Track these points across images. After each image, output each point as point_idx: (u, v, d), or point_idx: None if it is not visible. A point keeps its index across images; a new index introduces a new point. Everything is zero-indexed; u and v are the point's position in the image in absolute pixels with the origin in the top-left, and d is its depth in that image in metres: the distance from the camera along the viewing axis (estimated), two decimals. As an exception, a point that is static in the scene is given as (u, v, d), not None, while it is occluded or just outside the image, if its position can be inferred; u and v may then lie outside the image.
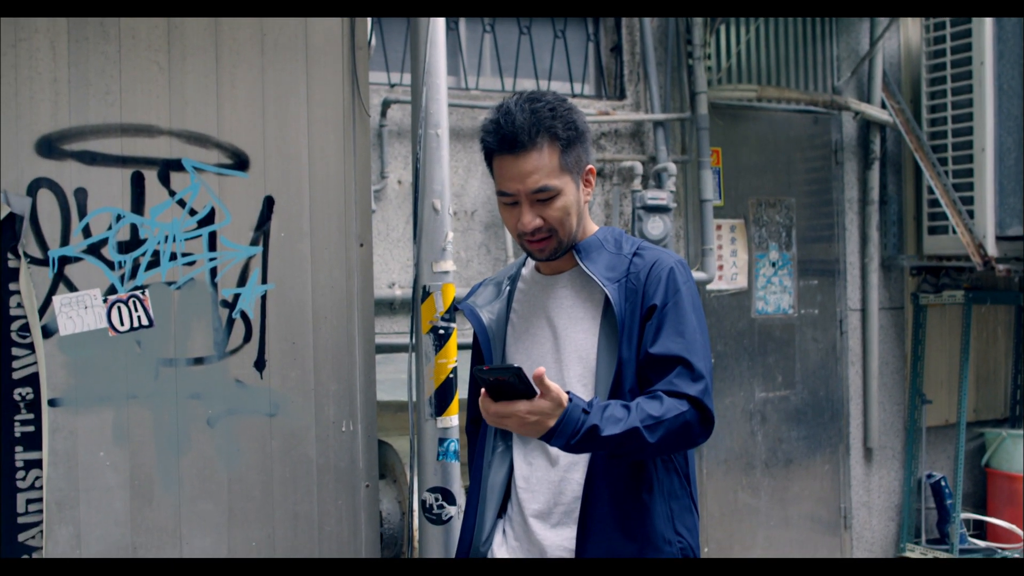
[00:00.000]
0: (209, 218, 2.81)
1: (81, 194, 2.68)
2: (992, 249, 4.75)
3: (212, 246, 2.82)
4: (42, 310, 2.64)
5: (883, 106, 5.21)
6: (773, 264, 5.09)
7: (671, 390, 1.92)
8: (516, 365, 1.82)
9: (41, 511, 2.63)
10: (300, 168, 2.91)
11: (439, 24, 2.81)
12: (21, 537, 2.63)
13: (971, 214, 4.85)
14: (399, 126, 4.20)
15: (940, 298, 5.30)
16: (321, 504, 2.93)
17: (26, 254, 2.63)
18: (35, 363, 2.64)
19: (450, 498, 2.79)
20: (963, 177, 4.91)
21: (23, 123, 2.63)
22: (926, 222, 5.22)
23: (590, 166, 2.08)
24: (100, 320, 2.69)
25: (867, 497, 5.37)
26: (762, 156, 5.07)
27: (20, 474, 2.63)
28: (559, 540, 2.05)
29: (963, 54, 4.90)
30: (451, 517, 2.80)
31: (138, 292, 2.73)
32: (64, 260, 2.67)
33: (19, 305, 2.63)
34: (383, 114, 4.12)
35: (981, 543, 5.30)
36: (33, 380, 2.64)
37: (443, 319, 2.79)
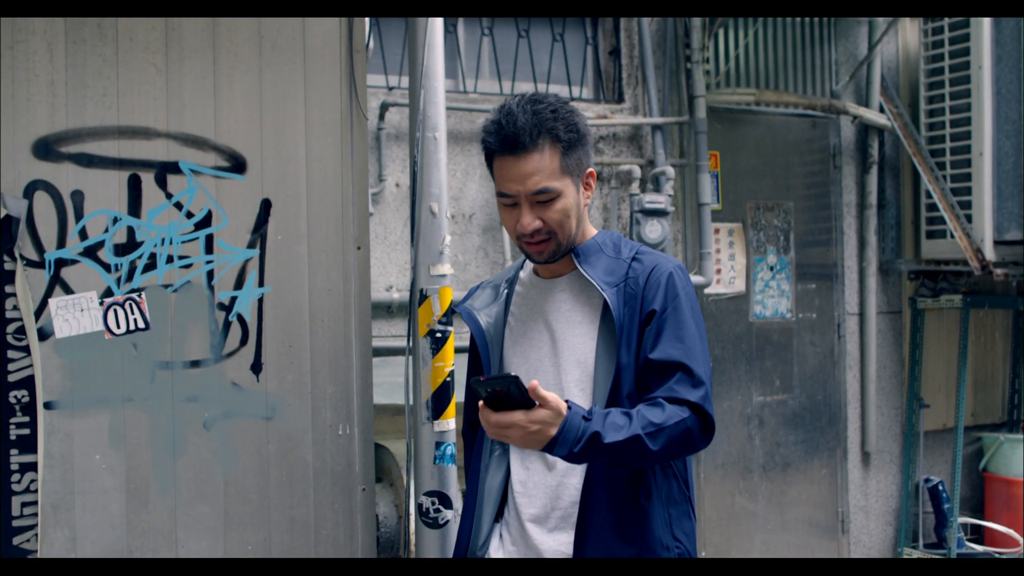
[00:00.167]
0: (206, 221, 2.81)
1: (78, 196, 2.68)
2: (990, 253, 4.75)
3: (209, 249, 2.81)
4: (38, 312, 2.64)
5: (881, 110, 5.21)
6: (771, 268, 5.08)
7: (672, 397, 1.92)
8: (513, 374, 1.82)
9: (36, 514, 2.63)
10: (297, 171, 2.91)
11: (437, 26, 2.81)
12: (16, 540, 2.62)
13: (969, 218, 4.85)
14: (397, 129, 4.20)
15: (938, 302, 5.30)
16: (317, 508, 2.92)
17: (22, 256, 2.63)
18: (31, 366, 2.63)
19: (447, 502, 2.78)
20: (961, 181, 4.91)
21: (20, 125, 2.62)
22: (924, 226, 5.22)
23: (590, 169, 2.08)
24: (96, 323, 2.69)
25: (865, 501, 5.36)
26: (760, 160, 5.07)
27: (15, 477, 2.62)
28: (556, 545, 2.05)
29: (961, 58, 4.91)
30: (447, 521, 2.79)
31: (134, 295, 2.73)
32: (60, 262, 2.66)
33: (15, 308, 2.62)
34: (381, 117, 4.12)
35: (979, 547, 5.30)
36: (29, 383, 2.63)
37: (440, 322, 2.79)
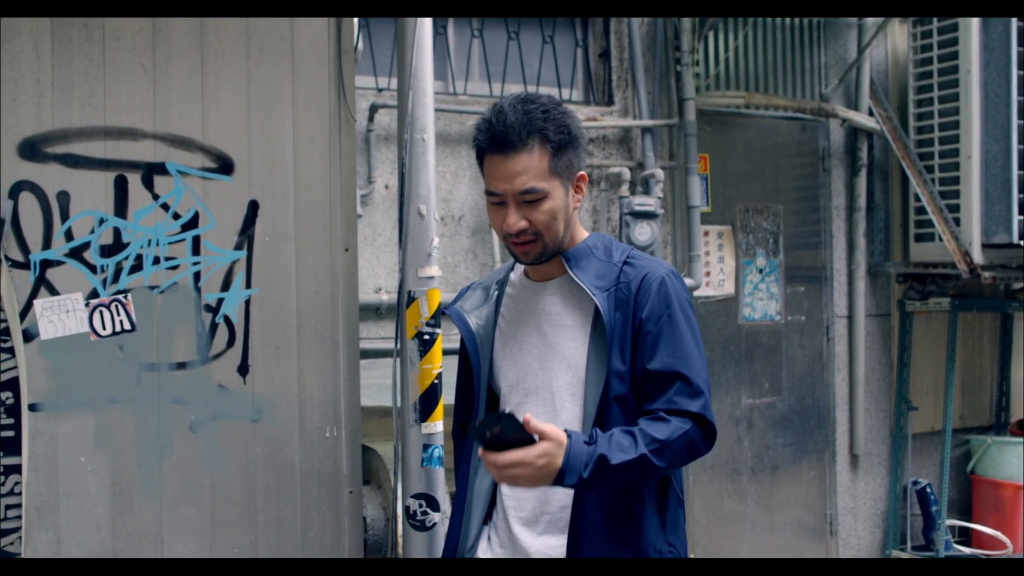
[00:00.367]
0: (193, 222, 2.80)
1: (64, 197, 2.66)
2: (978, 256, 4.77)
3: (196, 250, 2.80)
4: (23, 314, 2.62)
5: (870, 113, 5.23)
6: (760, 271, 5.09)
7: (672, 409, 1.93)
8: (506, 411, 1.81)
9: (20, 517, 2.61)
10: (285, 172, 2.90)
11: (426, 27, 2.80)
12: (0, 543, 2.61)
13: (957, 221, 4.86)
14: (387, 130, 4.19)
15: (926, 305, 5.32)
16: (304, 510, 2.91)
17: (7, 257, 2.61)
18: (15, 367, 2.61)
19: (434, 504, 2.78)
20: (949, 185, 4.93)
21: (5, 125, 2.61)
22: (912, 229, 5.24)
23: (582, 172, 2.07)
24: (82, 324, 2.67)
25: (853, 503, 5.37)
26: (750, 163, 5.07)
27: (-1, 479, 2.61)
28: (544, 548, 2.05)
29: (950, 62, 4.92)
30: (435, 523, 2.78)
31: (121, 296, 2.71)
32: (46, 264, 2.65)
33: (0, 309, 2.61)
34: (371, 118, 4.11)
35: (966, 550, 5.31)
36: (13, 384, 2.62)
37: (428, 324, 2.78)
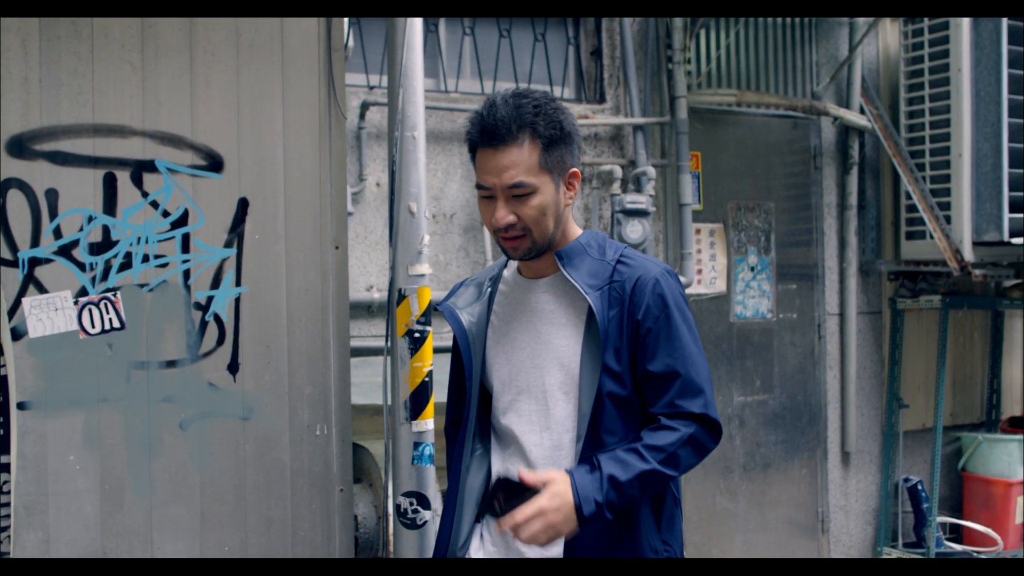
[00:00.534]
0: (182, 220, 2.79)
1: (52, 195, 2.65)
2: (969, 254, 4.78)
3: (185, 248, 2.79)
4: (11, 312, 2.61)
5: (862, 111, 5.23)
6: (752, 268, 5.10)
7: (674, 412, 1.96)
8: (500, 478, 1.86)
9: (9, 516, 2.60)
10: (275, 170, 2.89)
11: (416, 26, 2.80)
12: (-12, 542, 2.60)
13: (948, 219, 4.87)
14: (378, 128, 4.19)
15: (917, 303, 5.33)
16: (295, 508, 2.91)
17: (-5, 255, 2.60)
18: (3, 366, 2.60)
19: (425, 502, 2.77)
20: (940, 183, 4.93)
21: (-7, 123, 2.60)
22: (904, 227, 5.25)
23: (574, 169, 2.06)
24: (71, 322, 2.66)
25: (844, 501, 5.38)
26: (741, 161, 5.08)
27: (-12, 478, 2.60)
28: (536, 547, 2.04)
29: (941, 60, 4.93)
30: (426, 521, 2.78)
31: (110, 294, 2.70)
32: (34, 261, 2.64)
33: (-12, 307, 2.60)
34: (362, 116, 4.10)
35: (957, 547, 5.32)
36: (2, 383, 2.61)
37: (419, 322, 2.77)
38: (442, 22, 4.49)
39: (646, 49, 4.78)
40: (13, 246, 2.62)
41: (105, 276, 2.70)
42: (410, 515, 2.78)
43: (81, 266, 2.68)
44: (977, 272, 4.82)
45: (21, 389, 2.61)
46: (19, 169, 2.62)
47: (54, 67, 2.65)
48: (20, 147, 2.62)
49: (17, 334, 2.61)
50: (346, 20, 3.06)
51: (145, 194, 2.75)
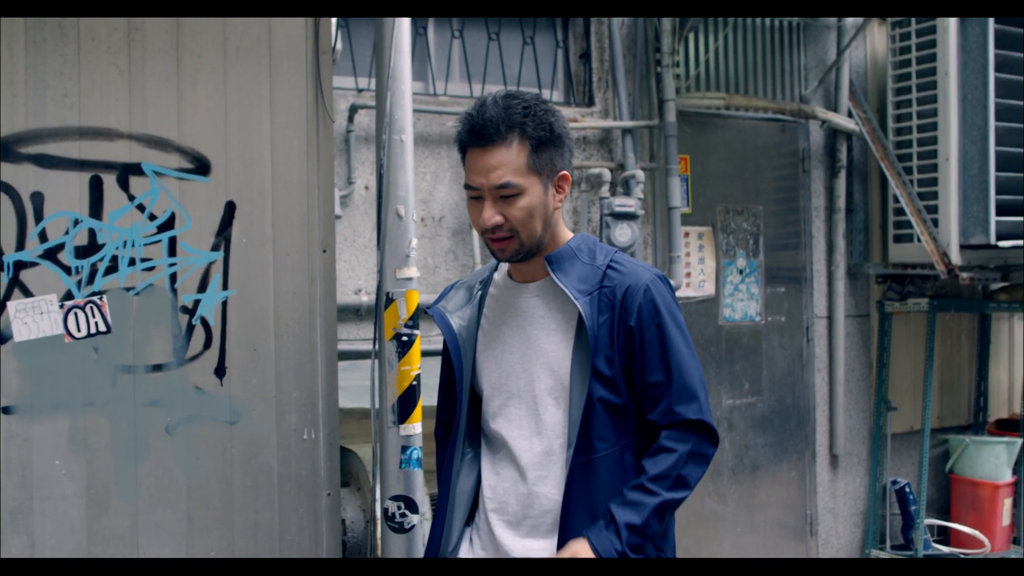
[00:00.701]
0: (169, 223, 2.78)
1: (37, 198, 2.64)
2: (956, 257, 4.80)
3: (172, 251, 2.78)
4: (-4, 316, 2.59)
5: (850, 115, 5.25)
6: (740, 271, 5.11)
7: (671, 421, 1.98)
8: None
9: (-6, 521, 2.58)
10: (262, 173, 2.88)
11: (404, 27, 2.79)
12: (-27, 547, 2.58)
13: (935, 223, 4.89)
14: (367, 131, 4.18)
15: (905, 306, 5.35)
16: (282, 513, 2.90)
17: (-20, 259, 2.58)
18: (-12, 370, 2.59)
19: (413, 506, 2.76)
20: (928, 186, 4.95)
21: (-22, 125, 2.58)
22: (891, 230, 5.27)
23: (564, 172, 2.06)
24: (56, 326, 2.65)
25: (833, 503, 5.40)
26: (730, 164, 5.09)
27: (-28, 483, 2.58)
28: (526, 550, 2.04)
29: (928, 64, 4.95)
30: (413, 525, 2.77)
31: (96, 298, 2.69)
32: (20, 265, 2.62)
33: (-28, 311, 2.58)
34: (350, 119, 4.09)
35: (945, 549, 5.34)
36: (-14, 387, 2.59)
37: (407, 326, 2.77)
38: (431, 25, 4.48)
39: (635, 52, 4.78)
40: (-2, 249, 2.60)
41: (91, 280, 2.69)
42: (398, 519, 2.77)
43: (67, 269, 2.67)
44: (964, 275, 4.84)
45: (6, 393, 2.59)
46: (4, 172, 2.61)
47: (40, 69, 2.64)
48: (5, 150, 2.61)
49: (2, 338, 2.60)
50: (334, 22, 3.05)
51: (131, 197, 2.73)
